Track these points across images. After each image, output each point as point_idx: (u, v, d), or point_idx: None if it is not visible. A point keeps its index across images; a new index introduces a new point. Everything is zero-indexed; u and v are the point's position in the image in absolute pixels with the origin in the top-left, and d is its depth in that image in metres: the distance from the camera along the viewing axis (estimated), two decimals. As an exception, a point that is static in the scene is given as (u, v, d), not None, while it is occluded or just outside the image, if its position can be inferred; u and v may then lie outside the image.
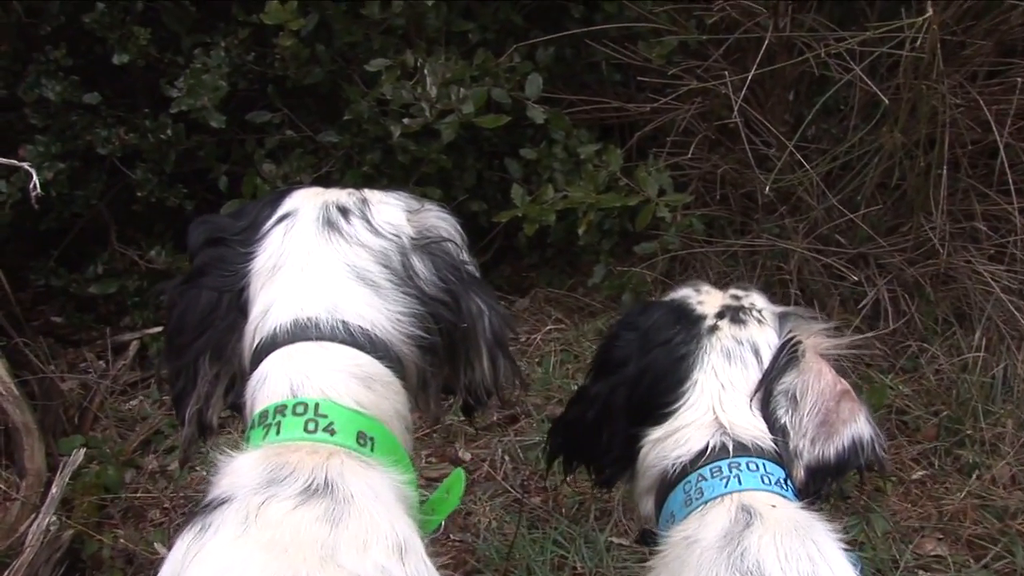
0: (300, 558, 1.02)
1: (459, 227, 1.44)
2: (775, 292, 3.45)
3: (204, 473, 2.95)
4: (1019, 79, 2.91)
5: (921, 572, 2.68)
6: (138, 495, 2.89)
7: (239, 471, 1.13)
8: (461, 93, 3.24)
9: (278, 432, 1.17)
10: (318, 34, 3.34)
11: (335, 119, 3.45)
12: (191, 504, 2.82)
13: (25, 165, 2.55)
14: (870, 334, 3.30)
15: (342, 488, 1.11)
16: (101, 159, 3.33)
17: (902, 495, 2.94)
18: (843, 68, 3.17)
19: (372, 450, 1.19)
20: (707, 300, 1.60)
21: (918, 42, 2.97)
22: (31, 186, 2.53)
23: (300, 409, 1.18)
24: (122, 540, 2.62)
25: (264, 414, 1.20)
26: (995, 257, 3.35)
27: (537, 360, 3.51)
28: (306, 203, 1.39)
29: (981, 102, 2.96)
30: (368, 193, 1.42)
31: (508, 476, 2.97)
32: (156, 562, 2.58)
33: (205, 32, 3.35)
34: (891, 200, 3.50)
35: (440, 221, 1.43)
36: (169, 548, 1.19)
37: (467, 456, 3.06)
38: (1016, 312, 3.14)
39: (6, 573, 2.41)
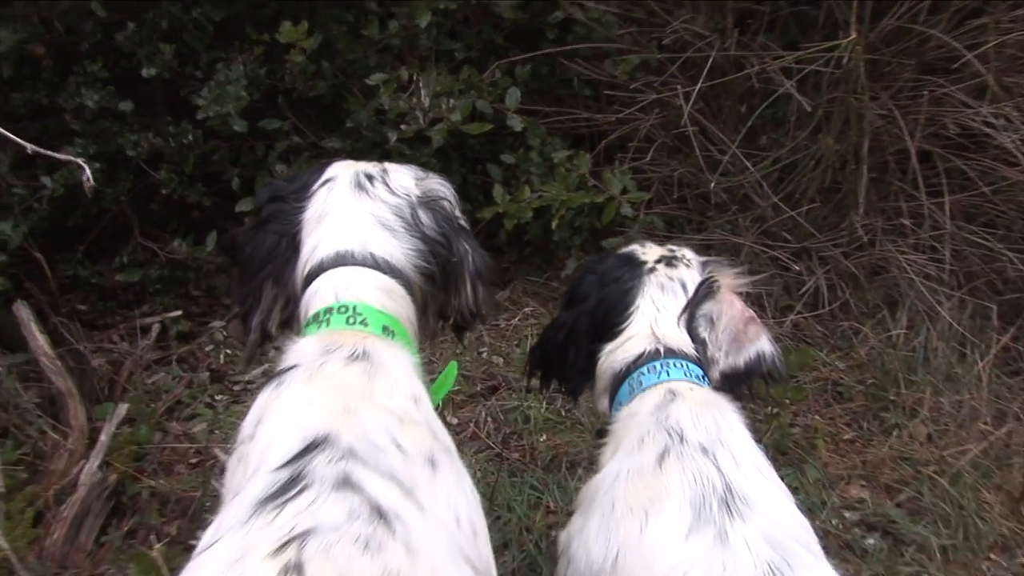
0: (348, 395, 1.50)
1: (453, 191, 1.92)
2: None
3: (220, 434, 3.40)
4: (926, 92, 3.41)
5: (845, 512, 3.15)
6: (166, 452, 3.32)
7: (302, 349, 1.61)
8: (450, 103, 3.73)
9: (328, 324, 1.65)
10: (323, 51, 3.83)
11: (338, 127, 3.93)
12: (214, 458, 3.26)
13: (79, 161, 2.99)
14: (808, 315, 3.80)
15: (375, 356, 1.59)
16: (128, 160, 3.78)
17: (833, 451, 3.42)
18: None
19: (393, 337, 1.66)
20: (649, 251, 2.09)
21: (845, 60, 3.49)
22: (85, 178, 2.98)
23: (343, 309, 1.66)
24: (158, 484, 3.04)
25: (316, 314, 1.68)
26: (918, 248, 3.84)
27: (516, 342, 3.99)
28: (342, 171, 1.89)
29: (896, 113, 3.46)
30: (388, 165, 1.91)
31: (490, 435, 3.43)
32: (183, 501, 3.01)
33: (221, 49, 3.83)
34: (831, 200, 4.00)
35: (439, 186, 1.93)
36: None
37: (455, 420, 3.52)
38: (930, 296, 3.64)
39: (63, 507, 2.84)
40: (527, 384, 2.31)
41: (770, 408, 3.38)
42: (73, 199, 3.78)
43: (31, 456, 3.06)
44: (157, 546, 2.55)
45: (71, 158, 3.06)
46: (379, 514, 1.28)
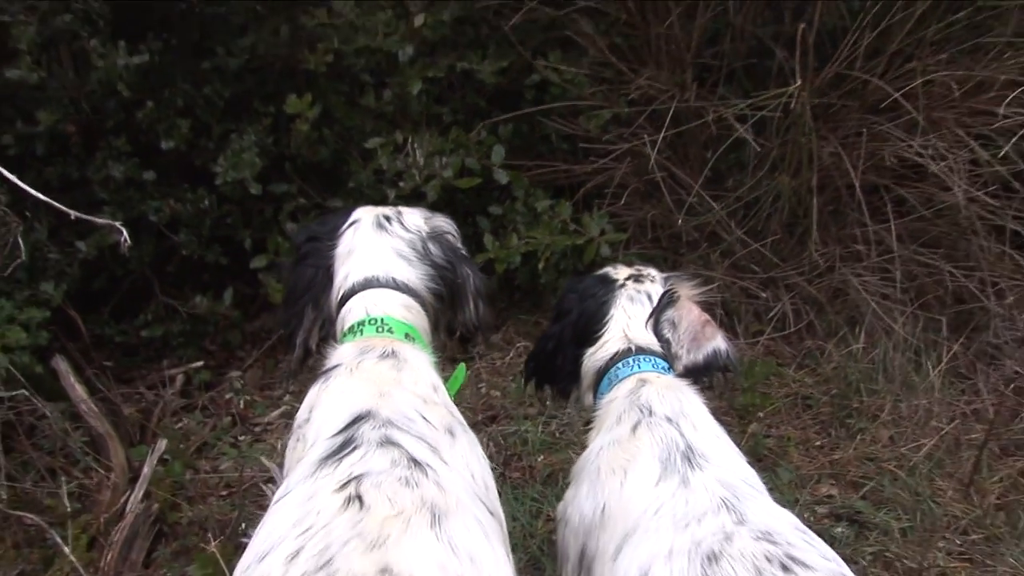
0: (383, 383, 1.94)
1: (455, 226, 2.39)
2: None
3: (248, 472, 3.80)
4: (864, 130, 3.92)
5: (816, 507, 3.57)
6: (198, 486, 3.71)
7: (342, 352, 2.05)
8: (442, 161, 4.23)
9: (361, 333, 2.09)
10: (324, 120, 4.32)
11: (340, 188, 4.41)
12: (243, 490, 3.66)
13: (117, 224, 3.44)
14: (775, 334, 4.25)
15: (401, 355, 2.03)
16: (150, 225, 4.23)
17: (804, 455, 3.84)
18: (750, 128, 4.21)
19: (414, 342, 2.10)
20: (620, 271, 2.55)
21: (792, 105, 4.00)
22: (123, 239, 3.44)
23: (373, 322, 2.11)
24: (196, 510, 3.44)
25: (352, 327, 2.12)
26: (872, 270, 4.31)
27: (511, 377, 4.42)
28: (365, 214, 2.35)
29: (841, 150, 3.96)
30: (402, 207, 2.38)
31: (493, 457, 3.84)
32: (222, 523, 3.41)
33: (232, 122, 4.31)
34: (793, 232, 4.48)
35: (444, 223, 2.41)
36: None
37: (459, 446, 3.92)
38: (885, 315, 4.10)
39: (114, 533, 3.23)
40: (524, 388, 2.73)
41: (747, 424, 3.82)
42: (100, 263, 4.23)
43: (79, 491, 3.46)
44: (214, 543, 2.94)
45: (110, 222, 3.51)
46: (415, 462, 1.71)
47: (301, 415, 1.97)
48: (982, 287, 4.07)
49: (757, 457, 3.79)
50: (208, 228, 4.31)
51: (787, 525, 1.84)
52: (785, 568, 1.65)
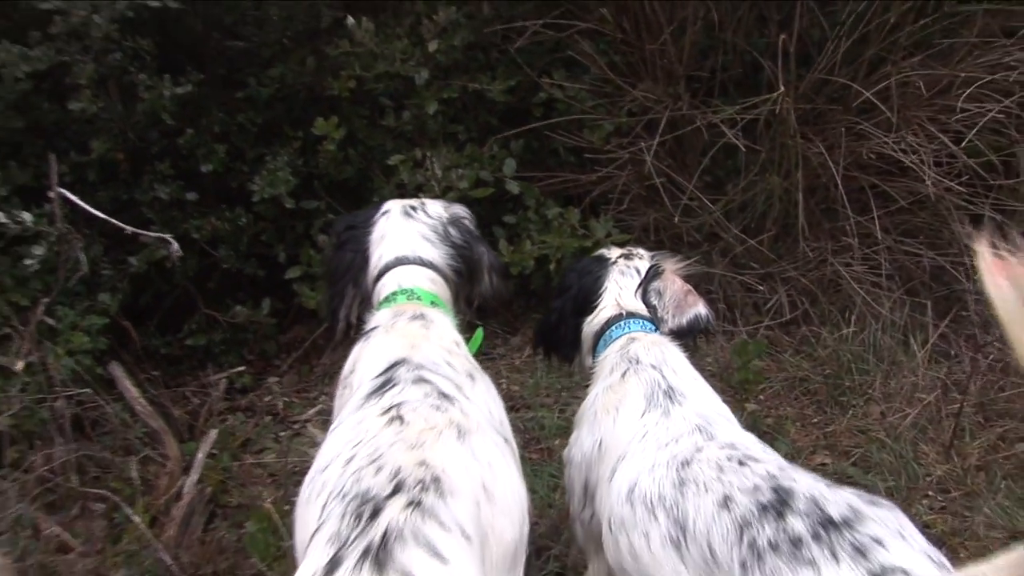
0: (414, 338, 2.42)
1: (471, 214, 2.89)
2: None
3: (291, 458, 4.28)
4: (843, 129, 4.40)
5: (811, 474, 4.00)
6: (243, 476, 4.20)
7: (379, 317, 2.54)
8: (459, 174, 4.73)
9: (395, 302, 2.58)
10: (348, 141, 4.85)
11: (365, 202, 4.92)
12: (287, 477, 4.14)
13: (168, 236, 3.97)
14: (771, 322, 4.71)
15: (428, 317, 2.51)
16: (193, 242, 4.75)
17: (800, 430, 4.29)
18: (741, 135, 4.70)
19: (438, 308, 2.59)
20: (613, 252, 3.04)
21: (777, 110, 4.49)
22: (173, 250, 3.97)
23: (404, 292, 2.60)
24: (244, 493, 3.93)
25: (386, 297, 2.62)
26: (863, 260, 4.77)
27: (528, 374, 4.89)
28: (394, 205, 2.86)
29: (823, 149, 4.44)
30: (424, 199, 2.88)
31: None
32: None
33: (264, 146, 4.85)
34: (787, 230, 4.95)
35: (461, 210, 2.90)
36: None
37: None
38: (873, 302, 4.56)
39: (173, 510, 3.71)
40: (533, 355, 3.21)
41: (745, 401, 4.27)
42: (148, 278, 4.75)
43: (139, 478, 3.96)
44: (269, 500, 3.43)
45: (162, 235, 4.05)
46: (443, 395, 2.19)
47: (346, 369, 2.46)
48: (961, 270, 4.52)
49: (756, 433, 4.24)
50: (246, 244, 4.84)
51: (749, 439, 2.31)
52: (741, 463, 2.12)
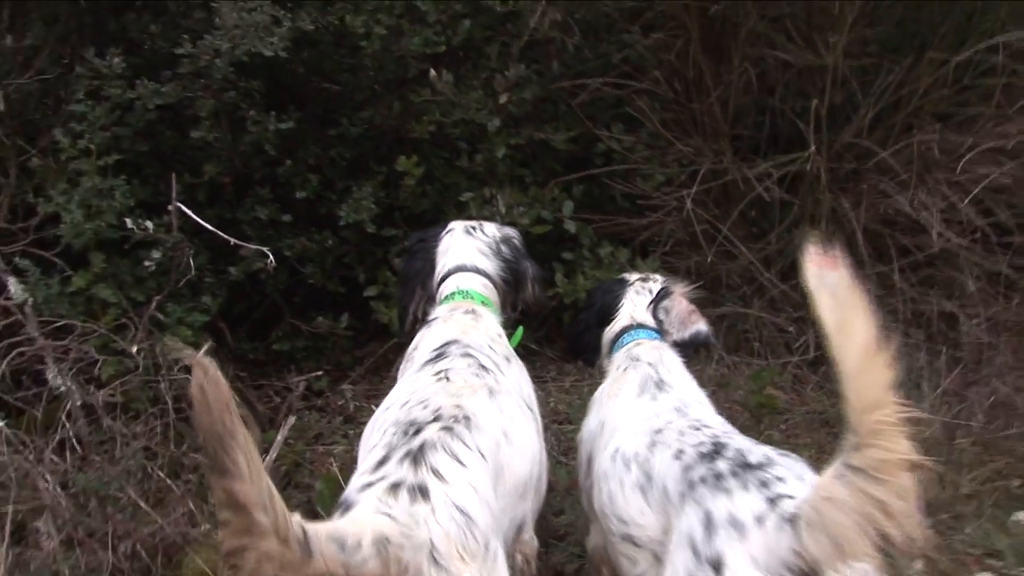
0: (465, 327, 3.24)
1: (520, 235, 3.79)
2: (740, 342, 5.72)
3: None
4: (864, 186, 5.21)
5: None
6: (314, 464, 5.12)
7: (439, 311, 3.40)
8: (521, 211, 5.64)
9: (453, 300, 3.43)
10: (427, 178, 5.81)
11: (438, 233, 5.87)
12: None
13: (265, 250, 4.95)
14: (799, 359, 5.50)
15: (478, 312, 3.36)
16: (283, 259, 5.73)
17: (814, 455, 5.05)
18: (778, 189, 5.54)
19: (488, 307, 3.47)
20: (633, 276, 3.88)
21: (808, 166, 5.33)
22: (269, 262, 4.96)
23: (461, 292, 3.44)
24: (316, 471, 4.84)
25: (446, 296, 3.46)
26: (886, 308, 5.53)
27: (576, 395, 5.74)
28: (457, 224, 3.72)
29: (846, 205, 5.25)
30: (482, 222, 3.78)
31: (554, 448, 5.14)
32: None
33: (351, 178, 5.83)
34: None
35: (511, 232, 3.76)
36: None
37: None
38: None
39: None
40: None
41: (759, 422, 5.06)
42: (243, 288, 5.74)
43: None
44: (336, 465, 4.33)
45: (260, 248, 5.04)
46: (482, 367, 3.05)
47: (411, 348, 3.34)
48: (973, 321, 5.27)
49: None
50: (330, 263, 5.79)
51: (716, 419, 3.13)
52: (697, 429, 2.94)
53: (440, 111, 5.71)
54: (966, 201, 4.87)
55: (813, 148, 5.20)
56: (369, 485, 2.43)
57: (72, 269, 5.07)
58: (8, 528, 3.51)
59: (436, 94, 5.68)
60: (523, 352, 3.66)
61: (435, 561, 2.25)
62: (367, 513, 2.28)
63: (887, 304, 5.50)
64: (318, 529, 2.06)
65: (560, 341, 6.22)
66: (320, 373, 5.70)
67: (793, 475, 2.55)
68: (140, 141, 5.44)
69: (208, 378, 1.81)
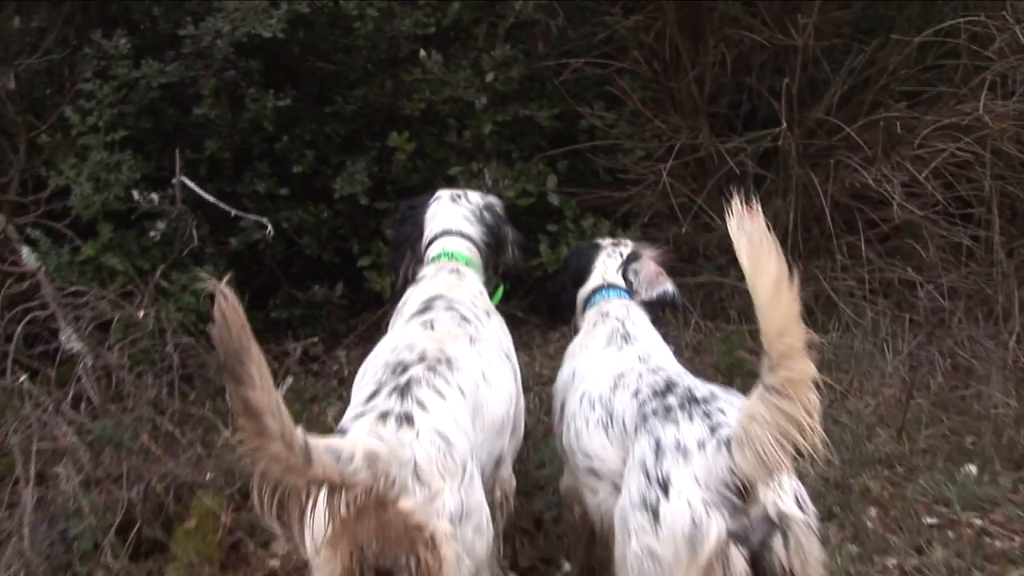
0: (449, 284, 3.63)
1: (501, 202, 4.20)
2: (716, 309, 6.14)
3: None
4: (832, 161, 5.62)
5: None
6: (311, 423, 5.53)
7: (426, 271, 3.79)
8: (507, 184, 6.05)
9: (439, 260, 3.83)
10: (417, 153, 6.21)
11: (427, 205, 6.28)
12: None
13: (264, 220, 5.36)
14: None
15: (462, 272, 3.75)
16: (281, 231, 6.14)
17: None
18: (752, 164, 5.95)
19: (471, 267, 3.88)
20: (606, 241, 4.28)
21: (780, 142, 5.74)
22: (268, 232, 5.36)
23: (446, 254, 3.83)
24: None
25: (433, 257, 3.84)
26: (855, 277, 5.95)
27: (559, 360, 6.14)
28: (444, 193, 4.11)
29: (814, 179, 5.66)
30: (466, 190, 4.19)
31: (538, 408, 5.56)
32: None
33: (346, 153, 6.24)
34: (795, 247, 6.17)
35: (493, 199, 4.16)
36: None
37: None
38: (851, 312, 5.74)
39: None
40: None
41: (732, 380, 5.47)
42: (242, 258, 6.15)
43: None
44: (331, 411, 4.75)
45: (259, 218, 5.44)
46: (464, 318, 3.44)
47: (400, 303, 3.73)
48: (934, 287, 5.68)
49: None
50: (325, 234, 6.20)
51: (674, 365, 3.54)
52: (653, 371, 3.34)
53: (430, 89, 6.11)
54: (924, 174, 5.27)
55: (784, 125, 5.59)
56: (361, 415, 2.84)
57: (81, 239, 5.47)
58: (32, 471, 3.91)
59: (426, 73, 6.07)
60: (510, 321, 4.04)
61: (418, 477, 2.66)
62: (360, 434, 2.69)
63: (856, 273, 5.92)
64: (318, 442, 2.46)
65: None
66: (316, 339, 6.10)
67: (734, 408, 2.94)
68: (144, 118, 5.85)
69: (229, 303, 2.19)
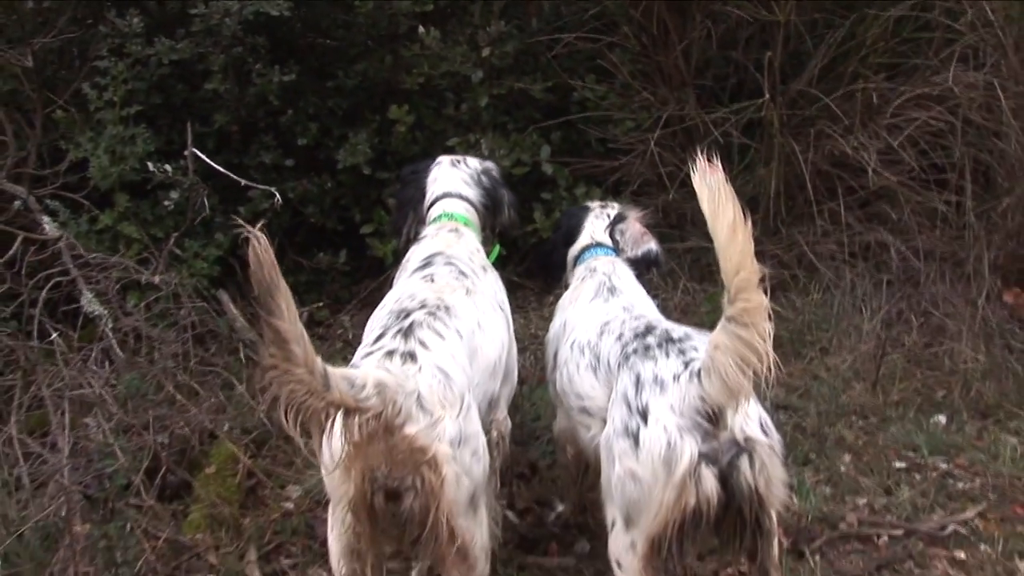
0: (448, 242, 3.99)
1: (498, 166, 4.57)
2: (704, 273, 6.53)
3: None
4: (813, 130, 6.00)
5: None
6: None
7: (428, 230, 4.15)
8: (502, 155, 6.42)
9: (440, 221, 4.18)
10: (417, 125, 6.58)
11: (426, 175, 6.66)
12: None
13: (272, 189, 5.73)
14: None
15: (460, 231, 4.10)
16: (287, 201, 6.51)
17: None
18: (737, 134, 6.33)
19: (469, 227, 4.25)
20: (594, 203, 4.66)
21: (764, 113, 6.12)
22: (276, 200, 5.74)
23: (447, 215, 4.19)
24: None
25: (434, 218, 4.20)
26: (835, 241, 6.34)
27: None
28: (444, 158, 4.47)
29: (796, 149, 6.04)
30: (466, 157, 4.56)
31: (531, 366, 5.95)
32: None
33: (348, 126, 6.61)
34: (779, 213, 6.55)
35: (491, 164, 4.53)
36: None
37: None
38: (832, 272, 6.13)
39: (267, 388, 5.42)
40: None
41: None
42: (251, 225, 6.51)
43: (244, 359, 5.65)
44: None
45: (267, 188, 5.82)
46: (462, 272, 3.80)
47: (404, 261, 4.13)
48: (912, 250, 6.07)
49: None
50: (329, 204, 6.57)
51: (656, 314, 3.92)
52: (636, 318, 3.72)
53: (428, 64, 6.49)
54: (899, 141, 5.65)
55: (768, 96, 5.96)
56: (370, 353, 3.23)
57: (98, 209, 5.85)
58: (67, 420, 4.30)
59: (424, 49, 6.45)
60: (507, 286, 4.40)
61: (421, 406, 3.04)
62: (369, 367, 3.09)
63: (836, 237, 6.31)
64: (335, 370, 2.84)
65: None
66: (321, 305, 6.48)
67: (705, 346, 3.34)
68: (154, 94, 6.21)
69: (261, 245, 2.58)
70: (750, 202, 6.45)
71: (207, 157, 5.84)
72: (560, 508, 4.53)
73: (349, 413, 2.85)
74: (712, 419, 3.07)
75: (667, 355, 3.30)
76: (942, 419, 5.32)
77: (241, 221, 2.62)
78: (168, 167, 5.75)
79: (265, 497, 4.66)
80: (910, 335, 5.90)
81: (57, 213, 5.63)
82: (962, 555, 4.23)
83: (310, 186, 6.47)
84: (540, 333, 6.35)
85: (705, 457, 3.05)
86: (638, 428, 3.16)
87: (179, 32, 6.04)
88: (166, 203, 5.86)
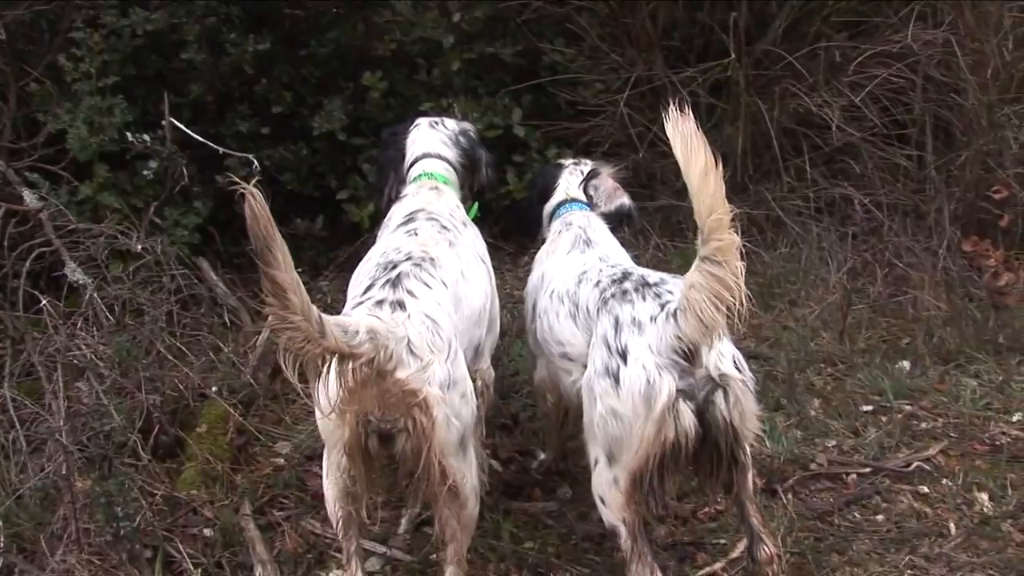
0: (429, 200, 4.15)
1: (475, 128, 4.74)
2: (674, 230, 6.73)
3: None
4: (778, 89, 6.20)
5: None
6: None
7: (409, 188, 4.30)
8: (475, 118, 6.57)
9: (419, 180, 4.36)
10: (390, 91, 6.72)
11: (401, 140, 6.81)
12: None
13: (251, 156, 5.86)
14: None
15: (440, 189, 4.26)
16: (264, 169, 6.63)
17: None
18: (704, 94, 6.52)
19: (449, 186, 4.42)
20: (568, 160, 4.84)
21: (730, 73, 6.31)
22: (254, 168, 5.86)
23: (426, 174, 4.35)
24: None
25: (414, 178, 4.35)
26: (801, 196, 6.56)
27: (529, 284, 6.72)
28: (423, 120, 4.62)
29: (762, 107, 6.24)
30: (443, 118, 4.72)
31: (511, 325, 6.14)
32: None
33: (322, 94, 6.74)
34: (746, 171, 6.76)
35: (468, 125, 4.69)
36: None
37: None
38: (798, 227, 6.35)
39: (250, 358, 5.56)
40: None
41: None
42: (228, 197, 6.63)
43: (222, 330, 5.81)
44: None
45: (246, 155, 5.94)
46: (443, 227, 3.96)
47: (387, 218, 4.29)
48: (877, 205, 6.30)
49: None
50: (305, 171, 6.70)
51: (631, 263, 4.11)
52: (612, 266, 3.89)
53: (400, 30, 6.65)
54: (860, 98, 5.86)
55: (734, 56, 6.15)
56: (360, 303, 3.40)
57: (77, 181, 5.95)
58: (60, 384, 4.43)
59: (396, 15, 6.62)
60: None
61: (411, 351, 3.21)
62: (361, 315, 3.26)
63: (802, 193, 6.53)
64: (328, 318, 3.01)
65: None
66: (299, 270, 6.60)
67: (680, 290, 3.53)
68: (129, 65, 6.31)
69: (257, 200, 2.74)
70: (719, 160, 6.64)
71: (184, 127, 5.96)
72: (542, 456, 4.72)
73: (343, 359, 3.01)
74: (688, 357, 3.26)
75: (644, 298, 3.48)
76: (906, 365, 5.55)
77: (236, 178, 2.75)
78: (147, 137, 5.86)
79: (256, 454, 4.82)
80: (875, 285, 6.13)
81: (36, 185, 5.72)
82: (925, 489, 4.49)
83: (286, 153, 6.60)
84: (516, 292, 6.54)
85: (683, 393, 3.24)
86: (618, 368, 3.33)
87: (153, 3, 6.13)
88: (145, 173, 5.97)
